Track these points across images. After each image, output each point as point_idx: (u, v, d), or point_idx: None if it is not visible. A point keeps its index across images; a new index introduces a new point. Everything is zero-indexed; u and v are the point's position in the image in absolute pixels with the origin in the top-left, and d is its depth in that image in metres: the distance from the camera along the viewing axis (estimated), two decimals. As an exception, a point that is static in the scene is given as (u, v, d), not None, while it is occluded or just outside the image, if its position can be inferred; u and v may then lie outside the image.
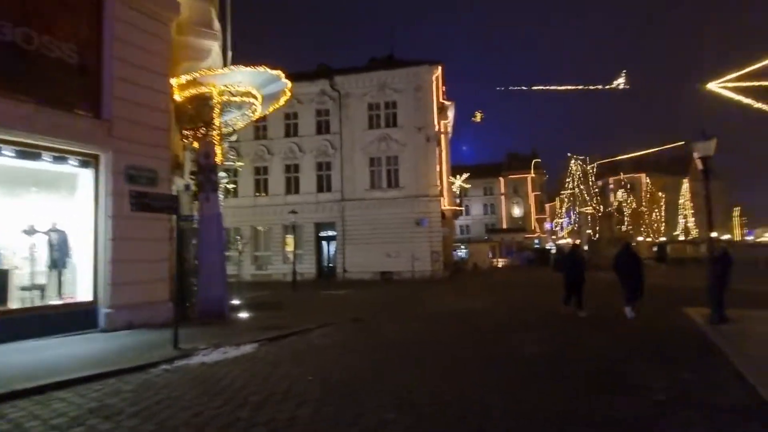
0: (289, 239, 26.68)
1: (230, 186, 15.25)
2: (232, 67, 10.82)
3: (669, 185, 58.92)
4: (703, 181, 8.86)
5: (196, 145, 10.88)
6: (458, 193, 32.07)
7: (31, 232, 8.00)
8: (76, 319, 8.10)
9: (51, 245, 8.22)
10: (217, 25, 11.67)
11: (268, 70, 11.05)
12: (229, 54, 12.48)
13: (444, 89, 31.27)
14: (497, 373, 5.32)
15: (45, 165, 7.99)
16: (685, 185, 59.01)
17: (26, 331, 7.42)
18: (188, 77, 10.15)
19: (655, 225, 56.50)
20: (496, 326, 8.86)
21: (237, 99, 11.33)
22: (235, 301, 13.27)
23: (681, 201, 58.62)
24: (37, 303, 8.01)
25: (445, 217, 27.63)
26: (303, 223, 26.11)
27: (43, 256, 8.18)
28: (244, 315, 10.71)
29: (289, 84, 12.08)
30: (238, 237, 23.81)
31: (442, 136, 28.94)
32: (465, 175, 32.62)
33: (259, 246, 27.56)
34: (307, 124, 26.79)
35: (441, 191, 27.29)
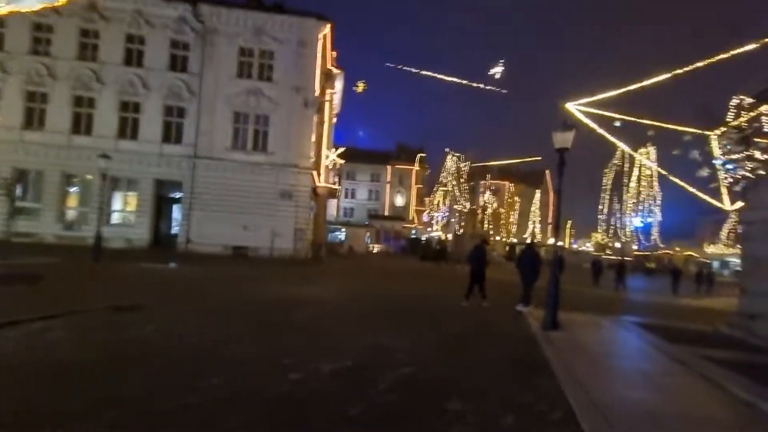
0: (130, 197, 21.51)
1: None
2: None
3: (525, 193, 66.42)
4: (558, 174, 8.14)
5: None
6: (332, 168, 29.92)
7: None
8: None
9: None
10: None
11: None
12: None
13: (334, 56, 28.63)
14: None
15: None
16: (538, 195, 67.22)
17: None
18: None
19: (510, 227, 63.26)
20: (302, 324, 6.84)
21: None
22: None
23: (533, 209, 66.63)
24: None
25: (317, 194, 25.27)
26: (139, 177, 21.02)
27: None
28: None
29: None
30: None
31: (326, 105, 26.36)
32: (339, 150, 30.51)
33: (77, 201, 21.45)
34: (156, 55, 21.40)
35: (317, 165, 24.80)
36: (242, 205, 20.89)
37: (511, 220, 63.73)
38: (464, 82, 42.38)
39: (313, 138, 23.47)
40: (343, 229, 46.59)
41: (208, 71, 21.60)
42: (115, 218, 21.42)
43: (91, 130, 20.89)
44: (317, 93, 23.12)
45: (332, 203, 40.89)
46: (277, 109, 22.07)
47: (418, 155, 59.81)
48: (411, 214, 59.37)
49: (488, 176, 58.79)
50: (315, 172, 23.96)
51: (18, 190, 20.15)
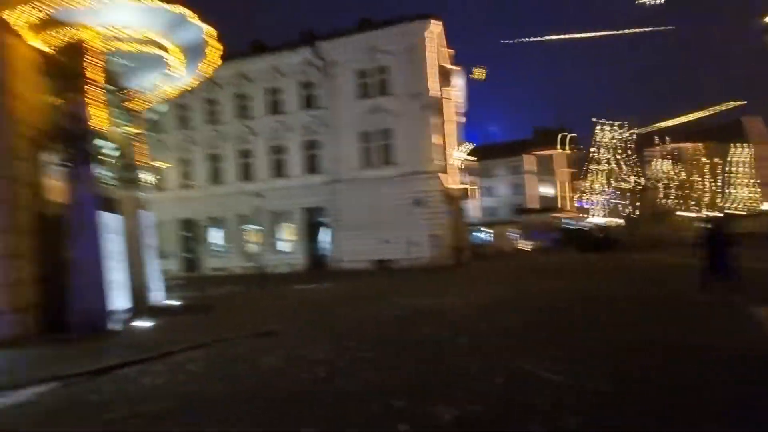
0: (287, 227, 24.67)
1: (154, 178, 12.82)
2: None
3: (717, 152, 51.71)
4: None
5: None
6: (463, 168, 28.54)
7: None
8: None
9: None
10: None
11: (162, 4, 8.38)
12: None
13: (451, 53, 27.72)
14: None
15: None
16: (740, 150, 51.62)
17: None
18: (39, 13, 7.66)
19: (706, 197, 50.06)
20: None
21: (130, 47, 8.86)
22: (173, 302, 11.12)
23: (734, 169, 51.40)
24: None
25: (450, 197, 24.43)
26: (291, 209, 23.82)
27: None
28: (145, 324, 8.40)
29: (207, 29, 9.40)
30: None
31: (444, 103, 25.52)
32: (468, 146, 28.91)
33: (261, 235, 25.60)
34: (291, 100, 24.21)
35: (444, 168, 24.07)
36: (380, 219, 21.54)
37: (704, 187, 50.44)
38: (605, 33, 35.71)
39: (437, 140, 22.88)
40: (487, 230, 44.44)
41: (332, 101, 23.33)
42: (280, 247, 24.70)
43: (251, 176, 24.75)
44: (434, 94, 22.55)
45: (471, 204, 39.42)
46: (397, 120, 22.32)
47: (559, 135, 53.21)
48: (565, 203, 52.92)
49: (667, 139, 47.61)
50: (444, 175, 23.25)
51: (211, 234, 25.17)
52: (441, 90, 24.45)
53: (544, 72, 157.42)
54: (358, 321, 7.99)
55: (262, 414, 3.62)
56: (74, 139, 7.99)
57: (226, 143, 25.24)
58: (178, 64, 10.02)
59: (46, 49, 8.23)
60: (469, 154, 28.89)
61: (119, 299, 8.45)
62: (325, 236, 23.96)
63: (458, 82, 28.77)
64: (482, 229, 44.33)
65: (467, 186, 28.49)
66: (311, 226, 24.17)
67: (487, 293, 11.02)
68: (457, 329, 6.69)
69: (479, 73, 30.61)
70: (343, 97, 23.17)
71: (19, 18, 7.61)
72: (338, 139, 23.17)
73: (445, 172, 23.81)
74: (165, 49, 9.37)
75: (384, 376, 4.51)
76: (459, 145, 28.00)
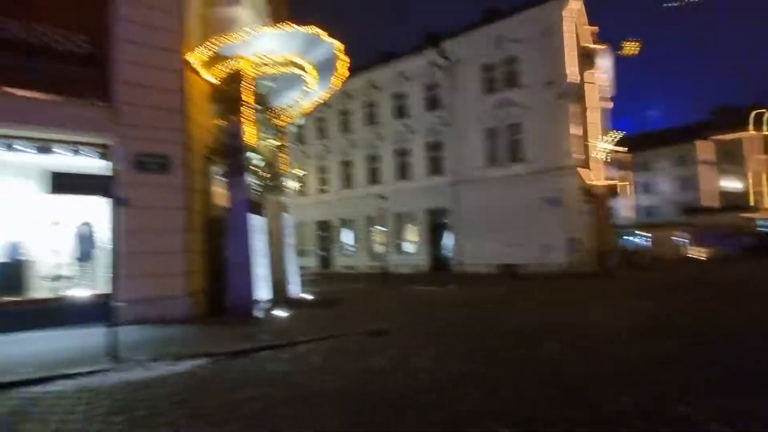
0: (411, 228, 25.20)
1: (297, 185, 14.36)
2: (250, 29, 9.44)
3: None
4: None
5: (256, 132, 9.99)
6: (610, 162, 24.47)
7: (56, 224, 8.26)
8: (94, 311, 8.01)
9: (77, 238, 8.37)
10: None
11: (298, 28, 9.30)
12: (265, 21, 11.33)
13: (594, 30, 24.35)
14: None
15: (62, 158, 8.08)
16: None
17: (47, 320, 7.59)
18: (209, 52, 9.22)
19: None
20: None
21: (275, 70, 10.01)
22: (307, 295, 12.32)
23: None
24: (63, 293, 8.22)
25: (593, 195, 21.31)
26: (415, 210, 24.07)
27: (68, 249, 8.38)
28: (283, 313, 9.36)
29: (336, 44, 10.10)
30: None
31: (586, 89, 22.37)
32: (616, 136, 24.56)
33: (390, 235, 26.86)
34: (415, 103, 24.47)
35: (586, 162, 21.13)
36: (507, 221, 20.09)
37: None
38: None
39: (576, 131, 20.21)
40: (644, 233, 37.63)
41: (456, 100, 22.73)
42: (404, 248, 25.20)
43: (379, 179, 25.85)
44: (573, 79, 19.98)
45: (621, 203, 33.85)
46: (528, 113, 20.48)
47: (753, 114, 41.63)
48: (756, 199, 41.34)
49: None
50: (584, 170, 20.41)
51: (342, 235, 27.18)
52: (581, 74, 21.57)
53: (724, 35, 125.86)
54: (474, 329, 7.38)
55: (356, 416, 3.49)
56: (232, 154, 9.40)
57: (356, 149, 26.95)
58: (313, 80, 11.00)
59: (213, 80, 9.88)
60: (617, 145, 24.83)
61: (263, 290, 9.63)
62: (447, 238, 23.52)
63: (604, 63, 25.05)
64: (637, 232, 37.72)
65: (615, 182, 24.51)
66: (434, 228, 24.00)
67: (639, 310, 9.06)
68: (596, 353, 5.54)
69: (631, 48, 26.09)
70: (467, 95, 22.39)
71: (196, 58, 9.28)
72: (462, 139, 22.47)
73: (586, 166, 20.93)
74: (303, 68, 10.34)
75: (492, 398, 3.91)
76: (604, 134, 24.29)
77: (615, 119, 27.19)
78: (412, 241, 24.91)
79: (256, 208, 10.19)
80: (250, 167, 9.93)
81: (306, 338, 6.69)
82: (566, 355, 5.54)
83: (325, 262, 27.93)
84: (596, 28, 24.39)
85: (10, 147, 7.78)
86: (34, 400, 4.20)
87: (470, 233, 21.59)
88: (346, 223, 27.43)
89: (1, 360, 5.48)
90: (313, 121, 28.33)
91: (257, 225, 9.85)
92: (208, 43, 9.24)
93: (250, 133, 10.01)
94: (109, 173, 6.27)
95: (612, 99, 28.13)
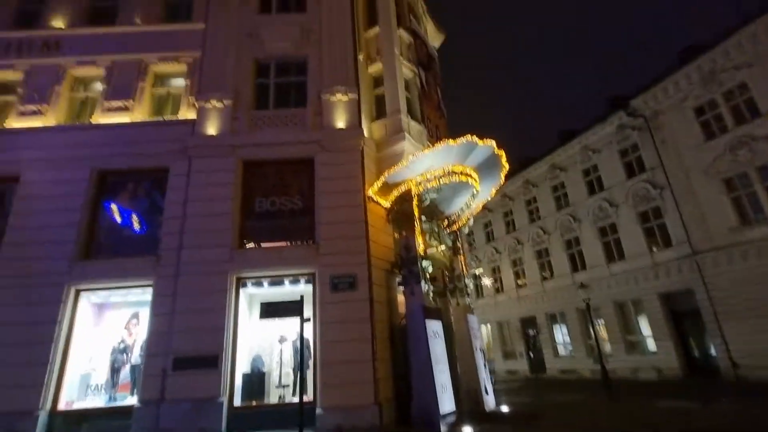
0: (640, 320, 20.35)
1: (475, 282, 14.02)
2: (412, 157, 10.75)
3: None
4: None
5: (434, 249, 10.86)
6: None
7: (282, 340, 10.29)
8: (305, 417, 9.17)
9: (295, 351, 10.17)
10: (408, 124, 12.32)
11: (450, 142, 10.23)
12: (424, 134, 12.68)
13: None
14: None
15: (287, 288, 10.39)
16: None
17: (273, 423, 9.12)
18: (379, 183, 10.91)
19: None
20: None
21: (437, 183, 10.91)
22: (503, 407, 11.09)
23: None
24: (286, 400, 9.79)
25: None
26: (640, 297, 19.36)
27: (289, 361, 10.18)
28: (467, 429, 8.56)
29: (491, 143, 10.58)
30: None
31: None
32: None
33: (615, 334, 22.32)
34: (611, 173, 21.37)
35: None
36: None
37: None
38: None
39: None
40: None
41: (667, 157, 18.81)
42: (638, 346, 19.86)
43: (585, 265, 22.38)
44: None
45: None
46: (785, 147, 14.92)
47: None
48: None
49: None
50: None
51: (555, 331, 23.75)
52: None
53: None
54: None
55: None
56: (408, 265, 10.18)
57: (551, 236, 24.70)
58: (478, 181, 11.42)
59: (386, 203, 11.43)
60: None
61: (448, 402, 9.14)
62: (698, 330, 17.45)
63: None
64: None
65: None
66: (676, 317, 18.36)
67: None
68: None
69: None
70: (680, 147, 18.29)
71: (373, 192, 11.09)
72: (688, 198, 17.80)
73: None
74: (466, 174, 10.95)
75: None
76: None
77: None
78: (645, 336, 19.56)
79: (435, 313, 10.28)
80: (426, 275, 10.38)
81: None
82: None
83: (536, 365, 24.52)
84: None
85: (258, 284, 10.51)
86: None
87: (740, 320, 15.47)
88: (555, 318, 24.12)
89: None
90: (501, 216, 28.15)
91: (436, 330, 9.83)
92: (382, 177, 10.91)
93: (421, 243, 10.72)
94: (304, 297, 7.61)
95: None
